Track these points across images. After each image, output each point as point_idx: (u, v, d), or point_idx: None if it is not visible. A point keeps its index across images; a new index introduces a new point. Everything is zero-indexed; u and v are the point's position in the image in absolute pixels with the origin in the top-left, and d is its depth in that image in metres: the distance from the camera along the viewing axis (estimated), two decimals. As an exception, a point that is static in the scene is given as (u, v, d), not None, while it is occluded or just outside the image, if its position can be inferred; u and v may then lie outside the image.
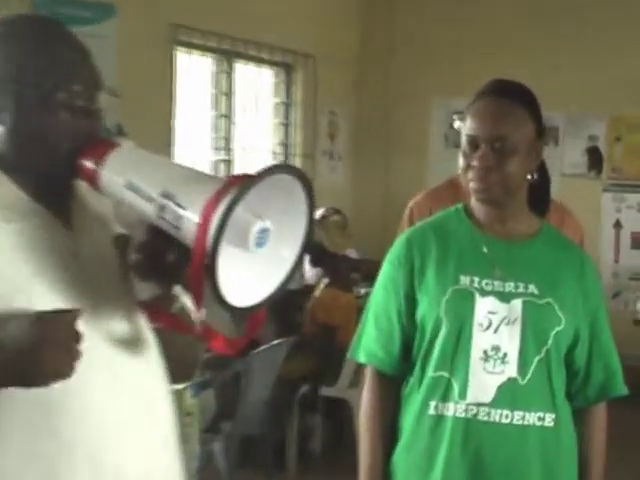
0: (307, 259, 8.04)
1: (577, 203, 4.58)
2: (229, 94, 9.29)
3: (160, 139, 8.28)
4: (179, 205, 1.76)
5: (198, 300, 1.81)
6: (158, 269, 1.93)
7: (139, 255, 1.93)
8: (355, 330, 3.10)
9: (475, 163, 2.85)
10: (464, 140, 2.91)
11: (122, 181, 1.87)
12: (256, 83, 9.80)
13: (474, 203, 2.98)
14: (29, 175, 2.02)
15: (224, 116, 9.25)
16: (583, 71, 9.27)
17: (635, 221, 9.82)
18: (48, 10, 7.34)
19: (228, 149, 9.28)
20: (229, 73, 9.25)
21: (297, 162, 10.11)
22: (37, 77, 1.97)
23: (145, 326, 2.10)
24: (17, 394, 1.83)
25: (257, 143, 9.96)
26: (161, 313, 2.03)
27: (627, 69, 9.38)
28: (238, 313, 1.84)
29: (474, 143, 2.87)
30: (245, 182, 1.72)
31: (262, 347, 6.11)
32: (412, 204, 4.02)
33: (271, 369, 6.25)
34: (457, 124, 2.79)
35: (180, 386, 2.28)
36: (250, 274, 1.84)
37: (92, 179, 1.94)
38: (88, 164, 1.93)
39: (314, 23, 9.87)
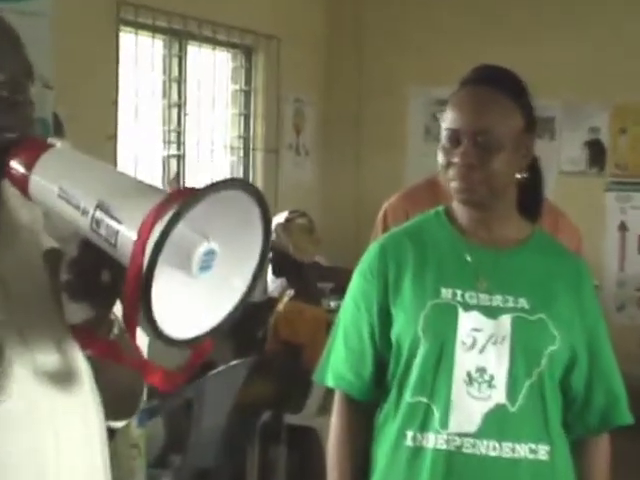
0: (270, 268, 8.04)
1: (577, 204, 4.62)
2: (181, 81, 9.23)
3: (102, 131, 8.24)
4: (115, 219, 1.71)
5: (132, 326, 1.75)
6: (91, 289, 1.88)
7: (70, 273, 1.88)
8: (323, 349, 3.08)
9: (456, 160, 2.85)
10: (444, 134, 2.90)
11: (54, 189, 1.82)
12: (211, 68, 9.74)
13: (456, 205, 2.98)
14: None
15: (176, 105, 9.22)
16: (581, 53, 9.25)
17: None
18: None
19: (180, 143, 9.23)
20: (181, 57, 9.20)
21: (258, 157, 10.12)
22: None
23: (78, 355, 2.06)
24: None
25: (213, 136, 9.89)
26: (94, 339, 1.97)
27: (632, 49, 9.36)
28: (175, 345, 1.77)
29: (455, 137, 2.87)
30: (190, 196, 1.67)
31: (217, 369, 6.09)
32: (386, 206, 4.02)
33: (228, 394, 6.22)
34: (440, 117, 2.76)
35: (120, 424, 2.23)
36: (193, 302, 1.79)
37: (21, 184, 1.89)
38: (17, 167, 1.89)
39: (278, 3, 9.85)
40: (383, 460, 2.92)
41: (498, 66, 3.03)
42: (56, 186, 1.82)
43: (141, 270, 1.65)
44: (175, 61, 9.18)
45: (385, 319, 2.93)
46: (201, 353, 1.93)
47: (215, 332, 1.81)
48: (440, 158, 2.93)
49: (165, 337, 1.70)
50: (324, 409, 6.95)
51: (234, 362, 6.34)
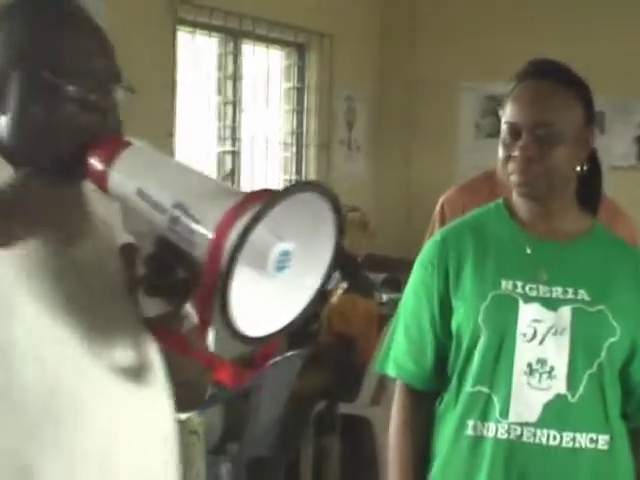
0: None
1: (627, 199, 4.52)
2: (236, 78, 9.24)
3: (160, 129, 8.25)
4: (193, 218, 1.72)
5: (205, 323, 1.76)
6: (166, 285, 1.91)
7: (146, 268, 1.90)
8: (376, 341, 3.08)
9: (516, 153, 2.83)
10: (504, 128, 2.89)
11: (133, 186, 1.83)
12: (266, 66, 9.71)
13: (516, 199, 2.96)
14: (30, 161, 1.97)
15: (230, 103, 9.22)
16: (631, 47, 9.14)
17: None
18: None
19: (235, 139, 9.23)
20: (236, 55, 9.21)
21: (311, 153, 10.10)
22: (43, 65, 1.95)
23: (151, 347, 2.07)
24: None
25: (267, 132, 9.85)
26: (167, 333, 1.99)
27: None
28: (249, 343, 1.78)
29: (515, 131, 2.85)
30: (269, 199, 1.67)
31: (274, 360, 6.07)
32: (443, 200, 3.99)
33: (283, 384, 6.23)
34: (500, 112, 2.76)
35: (184, 415, 2.23)
36: (266, 300, 1.79)
37: (100, 180, 1.90)
38: (96, 163, 1.89)
39: (329, 1, 9.83)
40: (444, 449, 2.91)
41: (555, 60, 3.00)
42: (135, 183, 1.83)
43: (218, 269, 1.65)
44: (230, 59, 9.18)
45: (446, 310, 2.92)
46: (270, 350, 1.93)
47: (288, 329, 1.82)
48: (500, 152, 2.92)
49: (240, 335, 1.70)
50: (377, 399, 6.96)
51: (289, 353, 6.32)
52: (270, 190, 1.72)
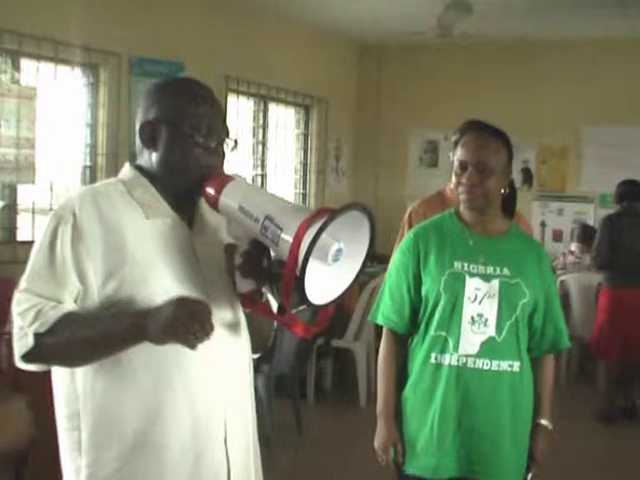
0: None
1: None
2: (265, 126, 9.29)
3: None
4: (278, 227, 1.76)
5: (287, 297, 1.81)
6: (255, 270, 1.94)
7: (243, 259, 1.94)
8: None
9: (464, 181, 2.86)
10: (455, 164, 2.91)
11: (236, 205, 1.88)
12: (283, 119, 9.76)
13: (462, 209, 2.97)
14: (170, 189, 2.03)
15: (261, 143, 9.26)
16: (519, 110, 9.21)
17: (555, 222, 9.78)
18: (140, 66, 7.32)
19: (263, 166, 9.28)
20: (264, 111, 9.26)
21: (312, 176, 10.15)
22: (184, 122, 2.00)
23: (241, 312, 2.10)
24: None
25: (284, 162, 9.90)
26: (256, 303, 2.02)
27: (550, 110, 9.39)
28: (316, 309, 1.86)
29: (463, 166, 2.87)
30: (332, 214, 1.73)
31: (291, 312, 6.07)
32: (411, 209, 3.98)
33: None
34: (450, 154, 2.79)
35: (255, 356, 2.25)
36: (326, 281, 1.83)
37: (213, 202, 1.95)
38: (211, 191, 1.94)
39: (325, 76, 9.84)
40: (414, 372, 2.92)
41: (483, 121, 3.03)
42: (237, 204, 1.87)
43: (297, 261, 1.70)
44: (261, 114, 9.22)
45: (417, 281, 2.93)
46: (328, 313, 1.97)
47: (338, 299, 1.87)
48: (453, 179, 2.94)
49: (311, 304, 1.78)
50: (358, 337, 6.98)
51: (301, 307, 6.31)
52: (330, 208, 1.77)
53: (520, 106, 9.32)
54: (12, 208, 6.53)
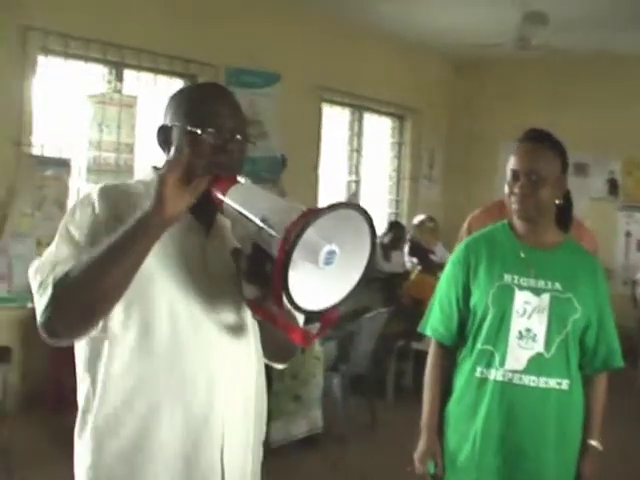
0: (407, 251, 7.88)
1: (601, 218, 4.26)
2: (360, 135, 9.22)
3: (310, 165, 8.20)
4: (271, 227, 1.59)
5: (278, 298, 1.60)
6: (259, 275, 1.75)
7: (246, 264, 1.77)
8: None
9: (516, 190, 2.61)
10: (508, 173, 2.66)
11: (236, 208, 1.71)
12: (378, 128, 9.65)
13: (515, 220, 2.72)
14: None
15: (356, 150, 9.17)
16: (606, 122, 8.93)
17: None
18: (236, 76, 7.29)
19: (357, 173, 9.16)
20: (360, 121, 9.17)
21: (406, 183, 10.04)
22: (190, 122, 1.86)
23: (248, 316, 1.91)
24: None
25: (378, 170, 9.79)
26: (259, 308, 1.82)
27: (637, 122, 9.07)
28: (307, 314, 1.67)
29: (515, 175, 2.62)
30: (317, 211, 1.55)
31: (370, 313, 5.94)
32: (470, 218, 3.74)
33: (376, 328, 6.06)
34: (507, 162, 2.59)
35: (281, 366, 2.06)
36: (322, 286, 1.65)
37: (218, 204, 1.78)
38: (217, 193, 1.77)
39: (419, 87, 9.68)
40: (460, 386, 2.69)
41: (543, 129, 2.75)
42: (238, 207, 1.71)
43: (283, 260, 1.53)
44: (356, 124, 9.14)
45: (467, 293, 2.70)
46: (329, 320, 1.76)
47: (337, 307, 1.67)
48: (506, 188, 2.69)
49: (296, 306, 1.59)
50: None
51: (381, 310, 6.19)
52: (319, 208, 1.58)
53: (606, 118, 9.07)
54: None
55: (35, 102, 5.90)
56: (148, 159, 6.67)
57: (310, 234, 1.53)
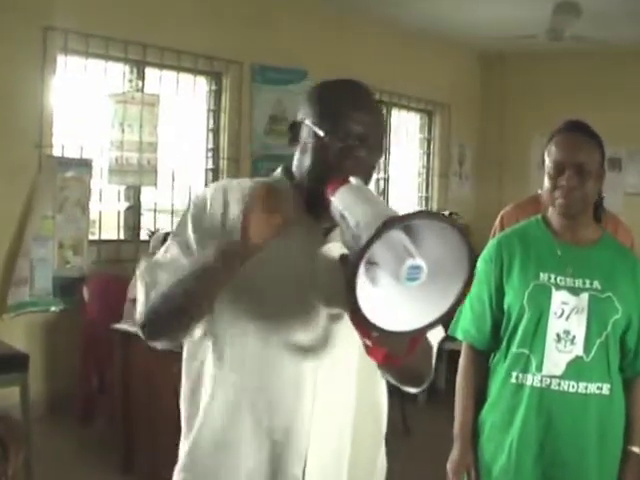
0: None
1: (635, 214, 4.08)
2: (389, 132, 9.07)
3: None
4: (359, 233, 1.45)
5: (350, 311, 1.48)
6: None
7: (349, 273, 1.56)
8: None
9: (563, 183, 2.45)
10: (550, 165, 2.50)
11: (339, 210, 1.59)
12: (407, 124, 9.54)
13: (551, 214, 2.58)
14: (303, 192, 1.80)
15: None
16: (634, 116, 8.75)
17: None
18: (261, 73, 7.19)
19: (386, 170, 9.05)
20: (388, 117, 9.04)
21: (435, 180, 9.91)
22: (319, 123, 1.77)
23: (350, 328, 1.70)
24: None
25: (407, 166, 9.66)
26: (358, 320, 1.61)
27: None
28: (381, 333, 1.48)
29: (560, 167, 2.46)
30: (400, 217, 1.41)
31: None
32: (503, 213, 3.61)
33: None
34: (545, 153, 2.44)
35: (414, 390, 1.89)
36: (405, 306, 1.48)
37: (328, 204, 1.67)
38: (329, 192, 1.67)
39: (447, 81, 9.52)
40: (494, 392, 2.55)
41: (580, 120, 2.59)
42: (341, 209, 1.59)
43: (353, 269, 1.41)
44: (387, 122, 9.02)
45: (500, 293, 2.55)
46: (414, 346, 1.58)
47: (420, 333, 1.51)
48: (546, 181, 2.52)
49: (368, 322, 1.43)
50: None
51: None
52: (407, 214, 1.43)
53: (635, 113, 8.89)
54: (136, 209, 6.49)
55: (56, 102, 5.83)
56: (172, 158, 6.59)
57: (396, 245, 1.41)
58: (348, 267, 1.41)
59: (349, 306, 1.43)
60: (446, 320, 1.51)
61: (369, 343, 1.56)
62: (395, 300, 1.46)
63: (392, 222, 1.39)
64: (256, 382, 1.74)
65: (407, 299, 1.47)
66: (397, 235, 1.43)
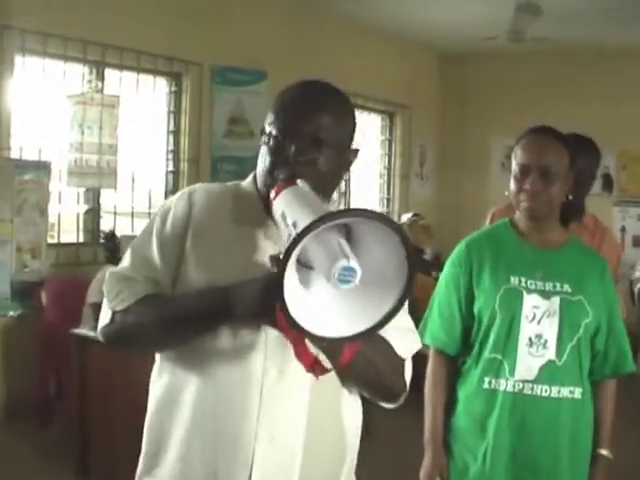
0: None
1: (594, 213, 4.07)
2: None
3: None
4: (294, 231, 1.40)
5: (280, 308, 1.38)
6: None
7: (278, 268, 1.47)
8: (427, 303, 2.69)
9: (527, 187, 2.43)
10: (516, 168, 2.47)
11: (280, 212, 1.55)
12: (367, 126, 9.52)
13: (518, 217, 2.56)
14: (261, 193, 1.77)
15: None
16: (599, 116, 8.67)
17: (635, 227, 9.41)
18: (222, 74, 7.12)
19: (348, 172, 9.02)
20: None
21: (397, 181, 9.91)
22: (266, 128, 1.73)
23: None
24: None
25: (369, 167, 9.67)
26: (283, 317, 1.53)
27: (630, 115, 8.90)
28: (312, 339, 1.44)
29: (525, 170, 2.44)
30: (328, 215, 1.34)
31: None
32: (495, 210, 3.54)
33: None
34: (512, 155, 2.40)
35: (388, 405, 1.84)
36: (346, 313, 1.41)
37: (270, 205, 1.64)
38: (273, 194, 1.63)
39: (408, 82, 9.53)
40: (466, 397, 2.52)
41: (546, 125, 2.57)
42: (281, 210, 1.54)
43: (281, 267, 1.35)
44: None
45: (469, 297, 2.52)
46: (350, 352, 1.53)
47: (354, 339, 1.43)
48: (512, 185, 2.49)
49: (296, 325, 1.37)
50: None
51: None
52: (342, 210, 1.38)
53: (599, 112, 8.89)
54: (95, 212, 6.40)
55: (13, 104, 5.71)
56: (132, 160, 6.50)
57: (334, 248, 1.36)
58: (278, 262, 1.34)
59: (276, 300, 1.36)
60: (381, 327, 1.42)
61: (290, 342, 1.51)
62: (330, 306, 1.41)
63: (327, 217, 1.32)
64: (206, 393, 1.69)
65: (343, 305, 1.41)
66: (336, 239, 1.38)
